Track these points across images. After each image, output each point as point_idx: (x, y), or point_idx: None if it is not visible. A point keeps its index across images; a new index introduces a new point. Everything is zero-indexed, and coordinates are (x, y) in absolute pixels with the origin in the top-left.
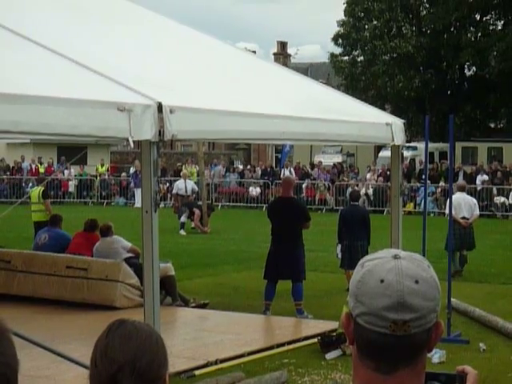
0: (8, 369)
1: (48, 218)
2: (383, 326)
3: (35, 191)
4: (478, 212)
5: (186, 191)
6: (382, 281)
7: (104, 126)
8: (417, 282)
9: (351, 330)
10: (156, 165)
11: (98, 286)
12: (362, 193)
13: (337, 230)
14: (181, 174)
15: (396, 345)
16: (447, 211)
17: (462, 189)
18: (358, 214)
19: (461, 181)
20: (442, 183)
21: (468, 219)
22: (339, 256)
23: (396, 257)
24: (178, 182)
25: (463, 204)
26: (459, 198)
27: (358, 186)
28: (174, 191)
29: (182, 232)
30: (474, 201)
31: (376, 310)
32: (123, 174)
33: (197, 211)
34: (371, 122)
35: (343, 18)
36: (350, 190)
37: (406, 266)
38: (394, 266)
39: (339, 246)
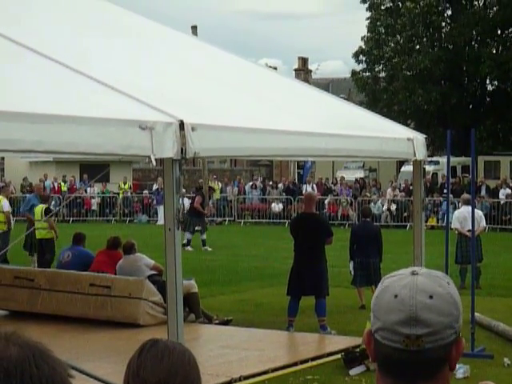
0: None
1: (52, 235)
2: (397, 340)
3: (38, 208)
4: (484, 224)
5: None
6: (395, 296)
7: (126, 144)
8: (431, 297)
9: (372, 346)
10: (178, 182)
11: (122, 303)
12: (384, 208)
13: (348, 247)
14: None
15: (411, 360)
16: (453, 225)
17: (467, 202)
18: (369, 231)
19: (465, 194)
20: (463, 197)
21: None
22: (352, 273)
23: (413, 273)
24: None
25: (469, 217)
26: (465, 211)
27: (379, 201)
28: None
29: (189, 248)
30: (480, 213)
31: (390, 325)
32: (145, 191)
33: (198, 197)
34: (393, 137)
35: (366, 33)
36: (372, 205)
37: (421, 282)
38: (410, 281)
39: (351, 262)
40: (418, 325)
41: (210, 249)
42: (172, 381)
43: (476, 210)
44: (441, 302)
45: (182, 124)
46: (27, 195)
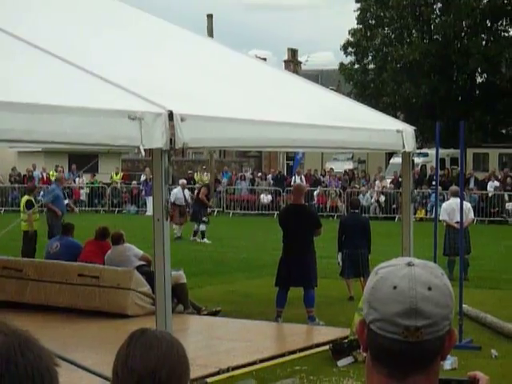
0: (48, 373)
1: (33, 228)
2: (395, 332)
3: (23, 200)
4: (472, 216)
5: (186, 200)
6: (394, 287)
7: (115, 134)
8: (430, 288)
9: (365, 336)
10: (167, 173)
11: (110, 294)
12: (373, 200)
13: (337, 238)
14: (179, 182)
15: (408, 351)
16: (441, 217)
17: (455, 194)
18: (358, 222)
19: (454, 186)
20: (451, 189)
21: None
22: (340, 264)
23: (409, 264)
24: (176, 191)
25: (457, 209)
26: (453, 203)
27: (368, 192)
28: (171, 199)
29: (206, 240)
30: (468, 205)
31: (388, 316)
32: (134, 182)
33: (203, 189)
34: (382, 128)
35: (355, 26)
36: (361, 196)
37: (419, 273)
38: (407, 272)
39: (340, 254)
40: (418, 316)
41: (208, 241)
42: (160, 370)
43: (464, 202)
44: (439, 293)
45: (171, 114)
46: (50, 186)
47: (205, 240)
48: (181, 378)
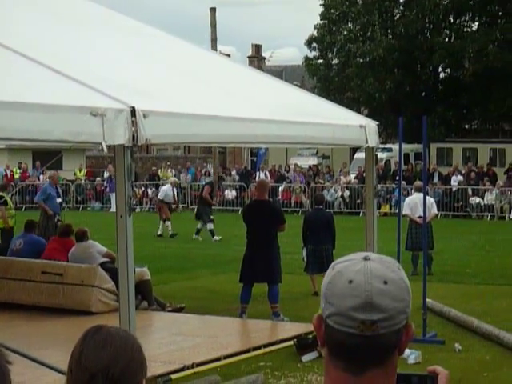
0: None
1: (8, 225)
2: (352, 326)
3: None
4: (435, 211)
5: (174, 198)
6: (350, 281)
7: (77, 131)
8: (385, 282)
9: (322, 331)
10: (130, 169)
11: (74, 291)
12: (338, 195)
13: (301, 234)
14: (170, 180)
15: (365, 345)
16: (404, 212)
17: (419, 189)
18: (322, 218)
19: (418, 181)
20: (415, 184)
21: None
22: (305, 259)
23: (366, 258)
24: (165, 188)
25: (419, 204)
26: (416, 198)
27: (333, 187)
28: (160, 196)
29: (216, 238)
30: (432, 200)
31: (344, 311)
32: (98, 178)
33: (206, 187)
34: (345, 124)
35: (319, 21)
36: (325, 192)
37: (374, 267)
38: (363, 267)
39: (304, 249)
40: (373, 310)
41: (201, 238)
42: (113, 368)
43: (427, 197)
44: (395, 287)
45: (133, 111)
46: (44, 184)
47: (215, 238)
48: (135, 375)
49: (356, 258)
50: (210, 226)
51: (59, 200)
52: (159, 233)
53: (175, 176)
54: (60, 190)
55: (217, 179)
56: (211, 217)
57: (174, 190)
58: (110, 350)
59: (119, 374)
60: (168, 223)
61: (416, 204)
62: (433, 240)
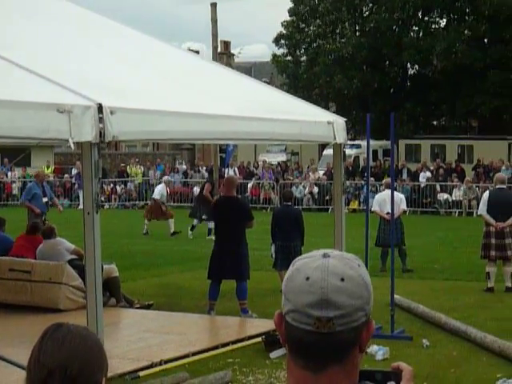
0: None
1: None
2: (308, 323)
3: None
4: (404, 207)
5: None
6: (307, 278)
7: (44, 127)
8: (342, 279)
9: (283, 328)
10: (97, 166)
11: (42, 288)
12: (306, 191)
13: (270, 230)
14: (163, 179)
15: (322, 342)
16: (373, 208)
17: (388, 186)
18: (290, 214)
19: (388, 178)
20: (385, 180)
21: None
22: (273, 256)
23: (325, 255)
24: (160, 188)
25: (388, 200)
26: (385, 194)
27: (302, 184)
28: (155, 196)
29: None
30: (401, 196)
31: (301, 307)
32: (66, 175)
33: (207, 184)
34: (313, 120)
35: (287, 18)
36: (294, 188)
37: (332, 264)
38: (321, 264)
39: (273, 246)
40: (329, 307)
41: (191, 237)
42: (71, 365)
43: (396, 193)
44: (352, 284)
45: (100, 107)
46: (28, 183)
47: (211, 237)
48: (94, 373)
49: (316, 255)
50: (210, 225)
51: (45, 199)
52: (145, 232)
53: (144, 173)
54: (46, 189)
55: (217, 177)
56: (204, 216)
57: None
58: (69, 348)
59: (77, 372)
60: (171, 221)
61: (385, 200)
62: (403, 236)
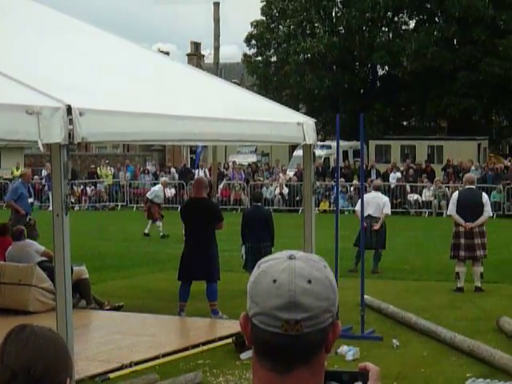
0: None
1: None
2: (276, 325)
3: None
4: (386, 211)
5: (165, 199)
6: (274, 281)
7: (13, 129)
8: (309, 281)
9: (249, 330)
10: (66, 168)
11: (11, 290)
12: (277, 192)
13: (240, 231)
14: (161, 180)
15: (289, 345)
16: (355, 208)
17: (376, 188)
18: (260, 215)
19: (376, 181)
20: (355, 181)
21: (373, 217)
22: (244, 257)
23: (291, 257)
24: (156, 189)
25: (371, 202)
26: (369, 196)
27: (272, 185)
28: (149, 196)
29: None
30: (384, 200)
31: (269, 310)
32: (36, 176)
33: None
34: (283, 121)
35: (258, 18)
36: (264, 189)
37: (299, 266)
38: (287, 266)
39: (243, 247)
40: (297, 309)
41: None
42: (34, 366)
43: (382, 195)
44: (319, 286)
45: (69, 109)
46: (15, 183)
47: None
48: (58, 374)
49: (281, 257)
50: None
51: (31, 200)
52: (146, 231)
53: (114, 174)
54: (32, 189)
55: (216, 179)
56: None
57: (166, 190)
58: (32, 349)
59: (41, 373)
60: (159, 223)
61: (367, 203)
62: (385, 240)
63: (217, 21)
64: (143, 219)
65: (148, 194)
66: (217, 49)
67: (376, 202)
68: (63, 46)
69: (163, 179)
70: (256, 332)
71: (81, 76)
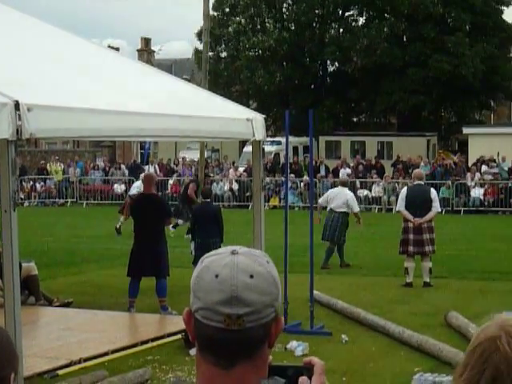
0: None
1: None
2: (218, 320)
3: None
4: (354, 208)
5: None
6: (216, 276)
7: None
8: (252, 276)
9: (192, 326)
10: (14, 164)
11: None
12: (226, 188)
13: (190, 227)
14: (140, 176)
15: (232, 339)
16: (320, 200)
17: (343, 184)
18: (209, 211)
19: (343, 176)
20: (305, 177)
21: (334, 211)
22: (193, 253)
23: (233, 252)
24: (138, 184)
25: (334, 197)
26: (334, 191)
27: (222, 181)
28: (131, 192)
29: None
30: (349, 196)
31: (211, 305)
32: None
33: (192, 185)
34: (232, 117)
35: (211, 12)
36: (214, 185)
37: (241, 261)
38: (230, 261)
39: (193, 243)
40: (239, 304)
41: (172, 235)
42: None
43: (347, 192)
44: (261, 281)
45: (17, 104)
46: None
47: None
48: (3, 368)
49: (224, 252)
50: (180, 221)
51: None
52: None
53: (64, 170)
54: None
55: (203, 177)
56: (178, 221)
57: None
58: None
59: None
60: (122, 217)
61: (331, 198)
62: (345, 234)
63: (206, 15)
64: (93, 215)
65: (130, 191)
66: (206, 44)
67: (340, 198)
68: (11, 40)
69: (143, 174)
70: (199, 327)
71: (29, 71)
